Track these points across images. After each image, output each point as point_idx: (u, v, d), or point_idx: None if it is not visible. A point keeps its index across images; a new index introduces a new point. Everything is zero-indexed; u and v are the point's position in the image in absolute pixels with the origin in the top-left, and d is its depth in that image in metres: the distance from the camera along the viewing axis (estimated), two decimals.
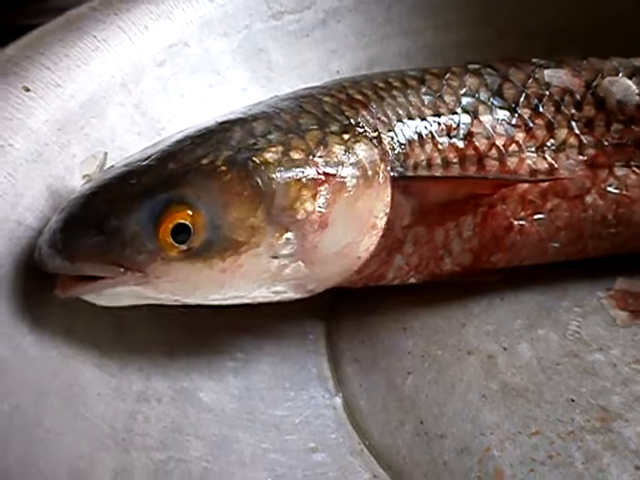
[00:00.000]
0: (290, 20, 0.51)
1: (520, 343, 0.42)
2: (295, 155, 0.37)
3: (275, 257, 0.36)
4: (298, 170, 0.36)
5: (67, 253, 0.35)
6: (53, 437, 0.32)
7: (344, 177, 0.37)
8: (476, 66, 0.44)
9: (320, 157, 0.37)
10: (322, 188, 0.37)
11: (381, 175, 0.38)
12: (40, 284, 0.35)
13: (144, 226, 0.35)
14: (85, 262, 0.35)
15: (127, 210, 0.35)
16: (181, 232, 0.35)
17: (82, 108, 0.41)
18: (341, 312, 0.45)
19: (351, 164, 0.38)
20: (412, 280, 0.43)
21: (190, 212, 0.35)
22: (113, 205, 0.35)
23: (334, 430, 0.40)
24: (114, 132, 0.42)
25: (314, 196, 0.36)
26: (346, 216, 0.37)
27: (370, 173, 0.38)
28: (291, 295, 0.39)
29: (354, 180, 0.37)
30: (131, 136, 0.43)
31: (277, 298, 0.38)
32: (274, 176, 0.36)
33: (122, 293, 0.36)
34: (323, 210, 0.36)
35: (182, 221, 0.35)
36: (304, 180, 0.36)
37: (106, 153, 0.39)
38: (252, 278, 0.37)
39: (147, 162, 0.37)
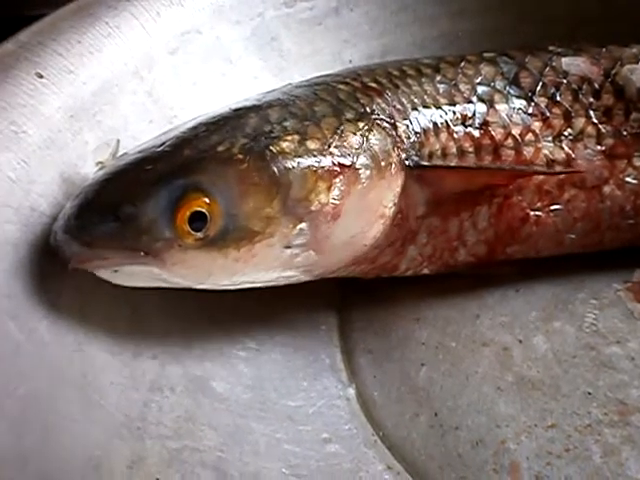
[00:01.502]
0: (303, 8, 0.51)
1: (536, 335, 0.42)
2: (312, 145, 0.37)
3: (288, 247, 0.37)
4: (314, 161, 0.36)
5: (83, 239, 0.35)
6: (68, 424, 0.32)
7: (358, 168, 0.37)
8: (492, 54, 0.44)
9: (336, 147, 0.37)
10: (337, 180, 0.37)
11: (393, 166, 0.38)
12: (55, 269, 0.35)
13: (161, 213, 0.35)
14: (102, 248, 0.35)
15: (143, 197, 0.35)
16: (197, 220, 0.35)
17: (94, 95, 0.41)
18: (353, 303, 0.45)
19: (365, 155, 0.38)
20: (425, 271, 0.43)
21: (207, 200, 0.35)
22: (128, 191, 0.35)
23: (347, 421, 0.40)
24: (126, 120, 0.42)
25: (329, 188, 0.36)
26: (358, 207, 0.37)
27: (383, 164, 0.38)
28: (297, 279, 0.39)
29: (367, 172, 0.37)
30: (143, 124, 0.43)
31: (283, 282, 0.39)
32: (291, 166, 0.36)
33: (137, 273, 0.36)
34: (337, 202, 0.37)
35: (199, 209, 0.35)
36: (320, 171, 0.36)
37: (119, 140, 0.40)
38: (264, 266, 0.37)
39: (162, 148, 0.36)
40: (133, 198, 0.35)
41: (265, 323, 0.42)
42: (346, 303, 0.45)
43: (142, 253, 0.35)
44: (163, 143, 0.37)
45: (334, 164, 0.37)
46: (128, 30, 0.44)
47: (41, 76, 0.39)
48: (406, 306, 0.44)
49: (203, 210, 0.35)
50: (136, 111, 0.43)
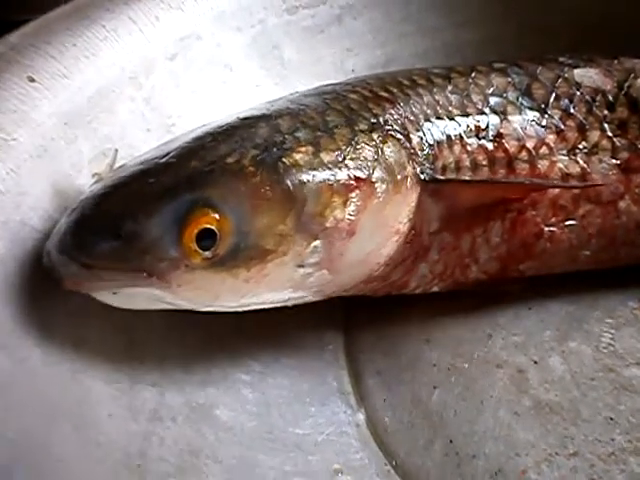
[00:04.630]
0: (305, 15, 0.48)
1: (551, 356, 0.39)
2: (326, 157, 0.34)
3: (301, 266, 0.34)
4: (330, 174, 0.33)
5: (82, 259, 0.31)
6: (63, 467, 0.28)
7: (374, 182, 0.34)
8: (502, 65, 0.41)
9: (351, 159, 0.34)
10: (353, 194, 0.34)
11: (409, 179, 0.36)
12: (47, 290, 0.32)
13: (166, 230, 0.31)
14: (102, 269, 0.31)
15: (147, 212, 0.31)
16: (206, 238, 0.31)
17: (90, 101, 0.38)
18: (359, 321, 0.42)
19: (381, 167, 0.35)
20: (435, 289, 0.40)
21: (217, 216, 0.32)
22: (131, 207, 0.32)
23: (358, 449, 0.37)
24: (123, 128, 0.39)
25: (345, 202, 0.34)
26: (373, 223, 0.35)
27: (399, 177, 0.35)
28: (308, 299, 0.36)
29: (384, 185, 0.35)
30: (140, 132, 0.40)
31: (293, 303, 0.36)
32: (305, 180, 0.33)
33: (138, 295, 0.32)
34: (352, 217, 0.34)
35: (208, 226, 0.31)
36: (336, 185, 0.33)
37: (117, 150, 0.36)
38: (275, 287, 0.34)
39: (166, 160, 0.33)
40: (136, 214, 0.31)
41: (269, 344, 0.39)
42: (351, 321, 0.42)
43: (145, 274, 0.31)
44: (167, 154, 0.33)
45: (350, 177, 0.34)
46: (125, 34, 0.41)
47: (33, 80, 0.36)
48: (414, 325, 0.41)
49: (212, 227, 0.32)
50: (133, 119, 0.40)
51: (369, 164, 0.35)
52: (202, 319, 0.35)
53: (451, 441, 0.37)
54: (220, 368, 0.38)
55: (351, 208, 0.33)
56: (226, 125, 0.35)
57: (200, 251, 0.31)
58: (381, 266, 0.37)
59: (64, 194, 0.35)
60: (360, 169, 0.34)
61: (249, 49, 0.46)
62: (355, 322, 0.42)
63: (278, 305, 0.35)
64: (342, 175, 0.34)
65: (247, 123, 0.35)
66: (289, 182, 0.33)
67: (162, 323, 0.36)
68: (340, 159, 0.34)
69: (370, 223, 0.34)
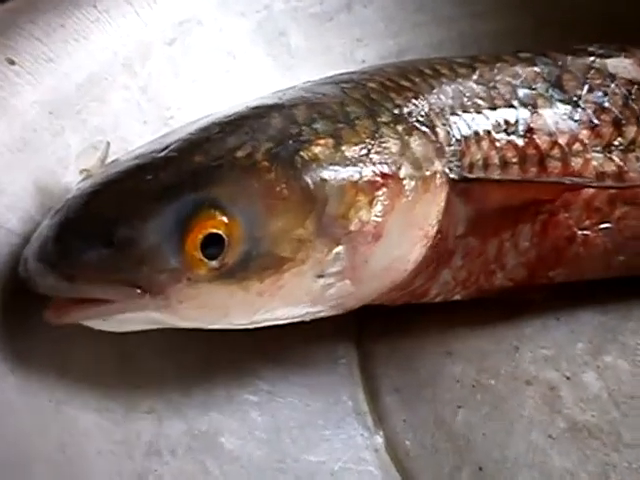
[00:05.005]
0: (313, 1, 0.45)
1: (585, 372, 0.36)
2: (349, 151, 0.30)
3: (321, 276, 0.29)
4: (353, 170, 0.29)
5: (64, 270, 0.26)
6: None
7: (402, 179, 0.31)
8: (528, 55, 0.38)
9: (376, 153, 0.30)
10: (380, 192, 0.30)
11: (438, 176, 0.32)
12: (25, 306, 0.28)
13: (166, 236, 0.26)
14: (89, 282, 0.26)
15: (143, 215, 0.27)
16: (212, 245, 0.27)
17: (79, 89, 0.35)
18: (373, 333, 0.38)
19: (408, 162, 0.31)
20: (457, 297, 0.37)
21: (225, 219, 0.27)
22: (124, 208, 0.27)
23: (378, 478, 0.34)
24: (116, 119, 0.36)
25: (370, 202, 0.30)
26: (401, 225, 0.31)
27: (427, 174, 0.32)
28: (325, 314, 0.33)
29: (412, 182, 0.31)
30: (136, 125, 0.37)
31: (310, 318, 0.32)
32: (327, 176, 0.29)
33: (133, 319, 0.28)
34: (379, 219, 0.30)
35: (215, 230, 0.27)
36: (361, 183, 0.29)
37: (109, 143, 0.32)
38: (292, 301, 0.30)
39: (165, 153, 0.28)
40: (130, 217, 0.27)
41: (276, 359, 0.36)
42: (365, 333, 0.39)
43: (139, 290, 0.26)
44: (166, 147, 0.29)
45: (376, 173, 0.30)
46: (119, 16, 0.37)
47: (13, 62, 0.32)
48: (433, 337, 0.38)
49: (220, 232, 0.27)
50: (128, 109, 0.37)
51: (395, 159, 0.31)
52: (203, 332, 0.31)
53: (480, 468, 0.33)
54: (223, 388, 0.34)
55: (378, 208, 0.30)
56: (234, 115, 0.30)
57: (205, 260, 0.27)
58: (408, 274, 0.33)
59: (48, 193, 0.31)
60: (387, 164, 0.30)
61: (254, 35, 0.43)
62: (369, 333, 0.38)
63: (294, 321, 0.32)
64: (367, 171, 0.30)
65: (258, 113, 0.30)
66: (308, 179, 0.29)
67: (158, 337, 0.31)
68: (364, 153, 0.30)
69: (398, 225, 0.30)
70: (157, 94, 0.38)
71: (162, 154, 0.28)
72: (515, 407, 0.35)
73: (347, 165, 0.30)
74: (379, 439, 0.35)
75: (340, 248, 0.29)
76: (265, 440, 0.33)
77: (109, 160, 0.31)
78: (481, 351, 0.37)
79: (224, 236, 0.27)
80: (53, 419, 0.27)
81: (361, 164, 0.30)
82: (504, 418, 0.34)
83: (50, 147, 0.33)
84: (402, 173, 0.31)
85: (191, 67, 0.40)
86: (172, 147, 0.29)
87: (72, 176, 0.32)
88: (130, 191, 0.28)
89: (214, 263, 0.27)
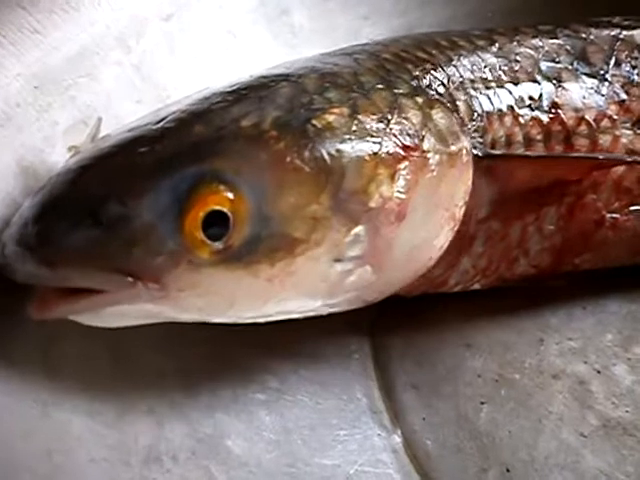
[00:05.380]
0: None
1: (616, 364, 0.33)
2: (366, 120, 0.27)
3: (338, 260, 0.26)
4: (372, 140, 0.27)
5: (45, 254, 0.23)
6: None
7: (426, 151, 0.28)
8: (549, 27, 0.36)
9: (397, 124, 0.27)
10: (402, 165, 0.27)
11: (464, 152, 0.29)
12: (8, 294, 0.24)
13: (163, 214, 0.23)
14: (73, 268, 0.23)
15: (136, 191, 0.23)
16: (216, 224, 0.24)
17: (68, 63, 0.32)
18: (387, 325, 0.36)
19: (432, 134, 0.28)
20: (476, 286, 0.35)
21: (230, 195, 0.24)
22: (115, 184, 0.24)
23: None
24: (108, 97, 0.34)
25: (392, 176, 0.27)
26: (427, 204, 0.28)
27: (454, 148, 0.29)
28: (342, 308, 0.30)
29: (437, 156, 0.28)
30: (129, 104, 0.34)
31: (325, 312, 0.29)
32: (342, 147, 0.26)
33: (127, 312, 0.24)
34: (402, 195, 0.27)
35: (218, 207, 0.23)
36: (381, 154, 0.26)
37: (100, 119, 0.29)
38: (305, 289, 0.27)
39: (162, 125, 0.25)
40: (121, 193, 0.23)
41: (285, 354, 0.33)
42: (378, 325, 0.36)
43: (131, 278, 0.23)
44: (163, 118, 0.25)
45: (397, 145, 0.27)
46: None
47: None
48: (452, 328, 0.36)
49: (224, 210, 0.24)
50: (121, 88, 0.35)
51: (417, 130, 0.28)
52: (205, 326, 0.28)
53: (508, 470, 0.31)
54: (229, 386, 0.31)
55: (400, 183, 0.27)
56: (237, 85, 0.27)
57: (208, 242, 0.23)
58: (432, 262, 0.30)
59: (32, 173, 0.28)
60: (408, 135, 0.28)
61: (255, 14, 0.40)
62: (383, 326, 0.36)
63: (307, 315, 0.29)
64: (388, 142, 0.27)
65: (264, 82, 0.27)
66: (322, 149, 0.26)
67: (156, 332, 0.28)
68: (383, 123, 0.27)
69: (423, 204, 0.28)
70: (152, 72, 0.36)
71: (158, 125, 0.25)
72: (542, 403, 0.32)
73: (365, 135, 0.27)
74: (397, 439, 0.33)
75: (360, 228, 0.26)
76: (274, 442, 0.30)
77: (100, 137, 0.28)
78: (503, 343, 0.35)
79: (229, 214, 0.24)
80: (40, 422, 0.24)
81: (380, 135, 0.27)
82: (531, 415, 0.32)
83: (35, 124, 0.30)
84: (425, 145, 0.28)
85: (188, 45, 0.38)
86: (169, 118, 0.26)
87: (59, 156, 0.29)
88: (121, 165, 0.24)
89: (218, 245, 0.24)
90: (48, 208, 0.24)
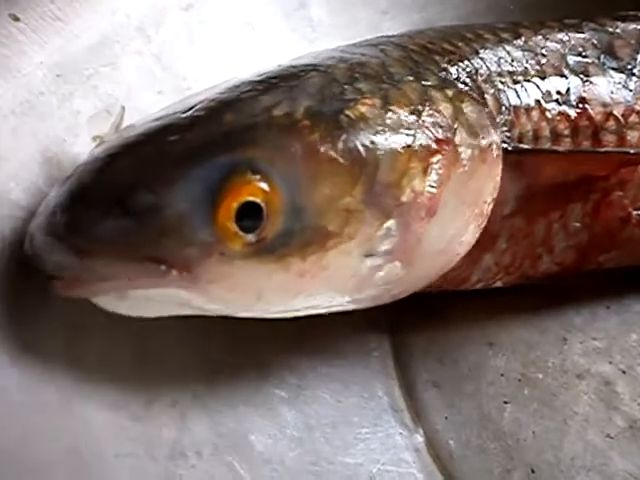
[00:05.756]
0: None
1: None
2: (399, 112, 0.26)
3: (369, 255, 0.26)
4: (405, 132, 0.26)
5: (75, 243, 0.22)
6: None
7: (458, 145, 0.27)
8: (574, 20, 0.36)
9: (428, 116, 0.27)
10: (435, 159, 0.26)
11: (495, 147, 0.29)
12: (30, 286, 0.24)
13: (195, 204, 0.22)
14: (103, 257, 0.22)
15: (168, 180, 0.23)
16: (249, 216, 0.23)
17: (90, 52, 0.32)
18: (408, 322, 0.35)
19: (464, 128, 0.28)
20: (498, 284, 0.34)
21: (264, 186, 0.23)
22: (145, 173, 0.23)
23: None
24: (129, 87, 0.33)
25: (425, 170, 0.26)
26: (456, 199, 0.27)
27: (485, 143, 0.28)
28: (368, 304, 0.29)
29: (469, 151, 0.28)
30: (150, 94, 0.33)
31: (352, 307, 0.29)
32: (376, 138, 0.25)
33: (155, 298, 0.23)
34: (434, 190, 0.26)
35: (252, 199, 0.23)
36: (414, 147, 0.26)
37: (124, 107, 0.28)
38: (335, 284, 0.26)
39: (191, 113, 0.24)
40: (152, 182, 0.23)
41: (304, 350, 0.33)
42: (399, 322, 0.36)
43: (163, 267, 0.22)
44: (191, 107, 0.25)
45: (430, 138, 0.26)
46: None
47: (17, 19, 0.29)
48: (474, 326, 0.35)
49: (258, 201, 0.23)
50: (142, 77, 0.34)
51: (450, 123, 0.27)
52: (227, 320, 0.27)
53: (533, 471, 0.31)
54: (250, 381, 0.30)
55: (432, 177, 0.26)
56: (266, 74, 0.27)
57: (241, 234, 0.23)
58: (459, 258, 0.29)
59: (56, 163, 0.28)
60: (441, 128, 0.27)
61: (274, 7, 0.40)
62: (403, 323, 0.35)
63: (334, 310, 0.28)
64: (420, 135, 0.26)
65: (293, 72, 0.27)
66: (356, 140, 0.25)
67: (179, 325, 0.27)
68: (416, 115, 0.26)
69: (453, 199, 0.27)
70: (172, 62, 0.35)
71: (187, 114, 0.25)
72: (567, 403, 0.32)
73: (398, 127, 0.26)
74: (419, 438, 0.32)
75: (391, 222, 0.26)
76: (297, 439, 0.29)
77: (124, 126, 0.27)
78: (526, 342, 0.34)
79: (262, 205, 0.23)
80: (62, 418, 0.23)
81: (413, 127, 0.26)
82: (556, 416, 0.32)
83: (57, 113, 0.29)
84: (458, 139, 0.27)
85: (208, 36, 0.37)
86: (198, 107, 0.25)
87: (83, 146, 0.28)
88: (151, 154, 0.24)
89: (251, 237, 0.23)
90: (77, 197, 0.23)
